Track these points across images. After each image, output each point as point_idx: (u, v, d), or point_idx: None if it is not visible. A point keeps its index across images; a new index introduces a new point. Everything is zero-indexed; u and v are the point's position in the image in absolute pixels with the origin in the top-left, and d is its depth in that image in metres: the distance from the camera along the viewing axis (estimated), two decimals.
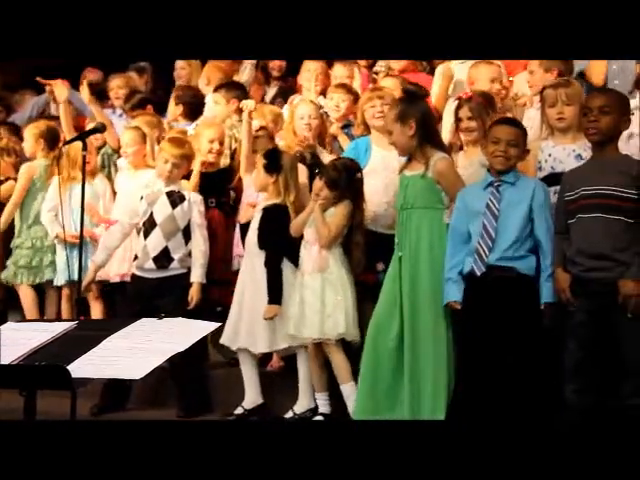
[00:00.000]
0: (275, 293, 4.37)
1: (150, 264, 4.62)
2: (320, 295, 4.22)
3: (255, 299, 4.44)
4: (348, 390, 4.22)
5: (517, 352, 3.65)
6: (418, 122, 3.99)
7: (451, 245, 3.90)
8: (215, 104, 5.49)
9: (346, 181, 4.28)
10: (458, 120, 4.29)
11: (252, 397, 4.50)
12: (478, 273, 3.73)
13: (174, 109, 5.79)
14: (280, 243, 4.42)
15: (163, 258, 4.62)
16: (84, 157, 3.87)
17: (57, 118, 5.85)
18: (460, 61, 5.21)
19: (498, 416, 3.61)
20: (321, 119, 4.74)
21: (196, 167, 4.91)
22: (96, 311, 5.29)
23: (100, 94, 6.34)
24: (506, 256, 3.72)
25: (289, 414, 4.40)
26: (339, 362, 4.23)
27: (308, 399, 4.39)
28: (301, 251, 4.36)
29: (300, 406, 4.40)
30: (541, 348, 3.66)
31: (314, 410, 4.37)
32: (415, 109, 4.05)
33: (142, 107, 5.84)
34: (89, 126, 5.23)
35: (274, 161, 4.45)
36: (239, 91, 5.51)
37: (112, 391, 4.62)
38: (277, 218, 4.44)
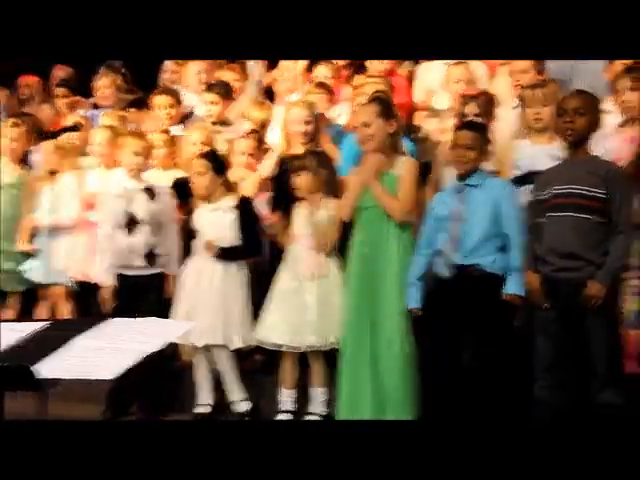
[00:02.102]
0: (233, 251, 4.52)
1: (140, 261, 4.62)
2: (323, 301, 4.22)
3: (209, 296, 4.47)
4: (318, 394, 4.27)
5: (486, 348, 3.68)
6: (398, 123, 4.09)
7: (417, 251, 3.97)
8: (212, 104, 5.43)
9: (312, 161, 4.30)
10: (463, 116, 4.35)
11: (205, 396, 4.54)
12: (446, 274, 3.79)
13: (178, 109, 5.65)
14: (260, 234, 4.54)
15: (151, 255, 4.63)
16: (58, 155, 3.84)
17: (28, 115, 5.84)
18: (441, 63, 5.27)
19: (471, 414, 3.63)
20: (315, 122, 4.72)
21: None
22: (64, 312, 5.23)
23: (82, 92, 6.33)
24: (473, 255, 3.78)
25: (242, 411, 4.45)
26: (319, 367, 4.27)
27: (242, 393, 4.47)
28: (294, 255, 4.34)
29: (244, 405, 4.46)
30: (509, 345, 3.69)
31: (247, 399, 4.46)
32: (396, 112, 4.15)
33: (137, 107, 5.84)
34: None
35: (221, 161, 4.57)
36: (229, 89, 5.53)
37: (116, 397, 4.61)
38: (251, 210, 4.58)
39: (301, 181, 4.33)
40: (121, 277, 4.67)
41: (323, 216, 4.31)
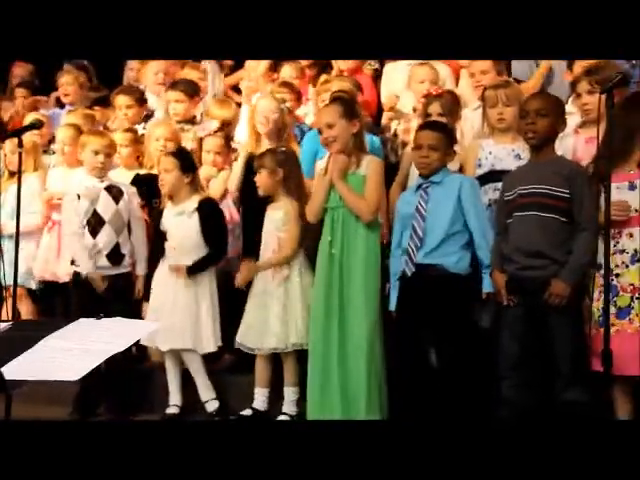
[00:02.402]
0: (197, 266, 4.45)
1: (104, 262, 4.56)
2: (283, 305, 4.23)
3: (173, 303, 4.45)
4: (290, 394, 4.27)
5: (447, 348, 3.70)
6: (361, 123, 4.07)
7: (391, 253, 3.98)
8: (176, 103, 5.38)
9: (269, 159, 4.30)
10: (427, 116, 4.34)
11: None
12: (409, 273, 3.81)
13: (139, 110, 5.56)
14: (225, 236, 4.51)
15: (116, 255, 4.59)
16: (20, 154, 3.78)
17: None
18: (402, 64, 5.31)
19: (436, 415, 3.65)
20: (281, 114, 4.71)
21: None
22: (24, 312, 5.18)
23: (43, 89, 6.24)
24: (435, 254, 3.78)
25: (211, 410, 4.44)
26: (290, 366, 4.27)
27: (211, 392, 4.46)
28: (262, 257, 4.34)
29: (213, 404, 4.45)
30: (473, 344, 3.72)
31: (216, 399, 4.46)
32: (359, 111, 4.14)
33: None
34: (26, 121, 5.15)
35: (189, 160, 4.53)
36: (196, 87, 5.48)
37: (83, 398, 4.56)
38: (216, 210, 4.53)
39: (260, 179, 4.33)
40: (86, 277, 4.60)
41: (279, 216, 4.31)
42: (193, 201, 4.51)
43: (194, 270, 4.44)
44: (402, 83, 5.27)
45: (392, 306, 3.93)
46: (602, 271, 3.24)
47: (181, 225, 4.50)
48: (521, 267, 3.64)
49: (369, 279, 3.97)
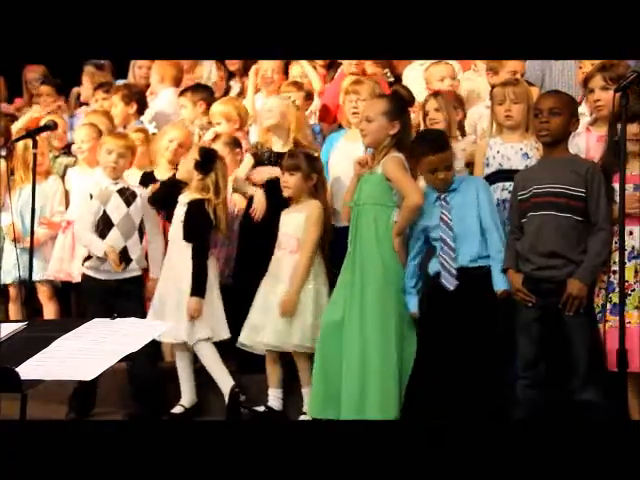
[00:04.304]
0: (199, 285, 4.40)
1: (108, 265, 4.54)
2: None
3: (177, 291, 4.44)
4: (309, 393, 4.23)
5: (489, 347, 3.68)
6: (401, 126, 4.02)
7: (408, 262, 3.94)
8: (182, 107, 5.43)
9: (306, 164, 4.29)
10: (425, 114, 4.38)
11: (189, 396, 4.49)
12: (451, 287, 3.75)
13: (124, 108, 5.66)
14: (206, 236, 4.47)
15: (123, 258, 4.55)
16: (34, 155, 3.81)
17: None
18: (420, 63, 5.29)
19: (456, 412, 3.63)
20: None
21: None
22: (49, 312, 5.20)
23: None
24: (476, 257, 3.77)
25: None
26: (303, 366, 4.24)
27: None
28: (275, 257, 4.34)
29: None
30: (504, 343, 3.70)
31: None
32: (404, 113, 4.12)
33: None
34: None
35: (206, 162, 4.50)
36: (205, 93, 5.50)
37: (80, 396, 4.54)
38: (203, 212, 4.47)
39: (292, 181, 4.29)
40: (93, 279, 4.61)
41: (300, 219, 4.30)
42: (189, 197, 4.52)
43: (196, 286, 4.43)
44: (418, 83, 5.25)
45: (411, 308, 3.89)
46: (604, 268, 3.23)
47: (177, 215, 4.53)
48: (537, 267, 3.62)
49: (381, 279, 3.92)
